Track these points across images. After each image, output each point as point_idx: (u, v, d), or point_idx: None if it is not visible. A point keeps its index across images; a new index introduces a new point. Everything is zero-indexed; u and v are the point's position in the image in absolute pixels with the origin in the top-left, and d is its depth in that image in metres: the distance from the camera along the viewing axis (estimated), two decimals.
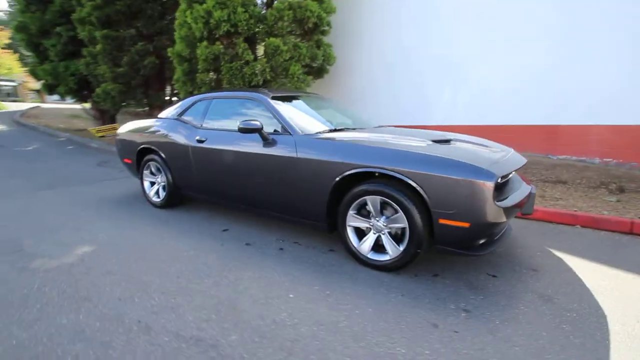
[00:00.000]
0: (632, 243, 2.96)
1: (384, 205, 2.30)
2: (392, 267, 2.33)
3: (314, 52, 7.32)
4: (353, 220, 2.45)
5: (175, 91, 9.16)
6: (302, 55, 7.01)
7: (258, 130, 2.70)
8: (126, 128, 4.19)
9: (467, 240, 2.11)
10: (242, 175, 2.95)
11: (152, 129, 3.76)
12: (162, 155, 3.60)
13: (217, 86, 7.22)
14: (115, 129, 9.32)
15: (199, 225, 3.31)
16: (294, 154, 2.59)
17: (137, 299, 2.04)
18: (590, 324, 1.84)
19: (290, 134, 2.70)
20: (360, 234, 2.48)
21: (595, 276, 2.36)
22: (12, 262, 2.51)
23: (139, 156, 3.94)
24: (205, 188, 3.35)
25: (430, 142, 2.43)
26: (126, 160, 4.18)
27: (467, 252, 2.15)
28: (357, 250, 2.45)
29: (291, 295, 2.09)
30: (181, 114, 3.60)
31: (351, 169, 2.33)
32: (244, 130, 2.72)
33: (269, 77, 6.72)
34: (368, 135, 2.67)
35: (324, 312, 1.93)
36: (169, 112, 3.79)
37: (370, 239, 2.41)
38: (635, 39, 4.87)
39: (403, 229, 2.25)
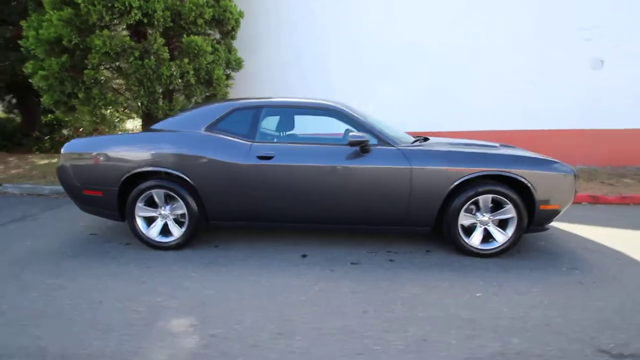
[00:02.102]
0: None
1: (495, 202, 2.74)
2: (500, 252, 2.79)
3: (227, 57, 6.81)
4: (464, 219, 2.77)
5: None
6: (220, 59, 6.41)
7: (365, 143, 2.61)
8: (83, 148, 2.93)
9: (551, 218, 2.82)
10: (331, 191, 2.74)
11: (160, 147, 2.82)
12: (188, 178, 2.78)
13: (124, 88, 5.63)
14: None
15: (270, 257, 2.81)
16: (406, 165, 2.67)
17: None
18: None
19: (392, 146, 2.74)
20: (465, 230, 2.82)
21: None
22: None
23: (125, 185, 2.86)
24: (262, 212, 2.83)
25: (499, 146, 3.03)
26: (89, 192, 2.92)
27: (543, 228, 2.87)
28: (468, 244, 2.78)
29: (479, 295, 2.25)
30: (212, 125, 2.87)
31: (469, 174, 2.65)
32: (354, 144, 2.58)
33: (192, 81, 5.83)
34: (456, 143, 3.02)
35: (525, 297, 2.19)
36: (180, 123, 2.93)
37: (479, 232, 2.79)
38: None
39: (508, 219, 2.75)
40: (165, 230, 2.95)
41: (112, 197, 2.91)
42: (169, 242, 2.92)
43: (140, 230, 2.92)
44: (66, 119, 9.34)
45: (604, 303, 2.14)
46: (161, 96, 5.91)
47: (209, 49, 6.01)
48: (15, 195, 5.04)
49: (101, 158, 2.90)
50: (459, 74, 6.72)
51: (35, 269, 2.64)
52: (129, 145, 2.88)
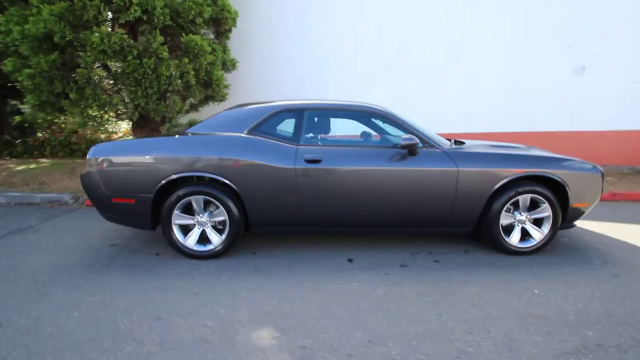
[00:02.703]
0: None
1: (531, 201, 2.86)
2: (537, 249, 2.91)
3: (223, 57, 6.62)
4: (505, 219, 2.86)
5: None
6: (218, 59, 6.23)
7: (416, 145, 2.64)
8: (113, 153, 2.73)
9: (580, 216, 2.98)
10: (380, 194, 2.73)
11: (201, 151, 2.68)
12: (231, 184, 2.67)
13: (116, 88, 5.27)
14: None
15: (315, 263, 2.75)
16: (453, 167, 2.72)
17: None
18: None
19: (437, 148, 2.79)
20: (504, 229, 2.91)
21: None
22: None
23: (161, 192, 2.70)
24: (308, 217, 2.77)
25: (526, 147, 3.17)
26: (119, 200, 2.72)
27: (572, 225, 3.04)
28: (508, 242, 2.87)
29: (536, 291, 2.33)
30: (254, 128, 2.77)
31: (512, 175, 2.75)
32: (405, 147, 2.61)
33: (192, 82, 5.62)
34: (491, 145, 3.12)
35: (577, 292, 2.30)
36: (220, 126, 2.81)
37: (517, 231, 2.90)
38: None
39: (544, 217, 2.88)
40: (202, 239, 2.81)
41: (146, 205, 2.73)
42: (207, 250, 2.79)
43: (178, 239, 2.76)
44: (40, 120, 8.70)
45: None
46: (158, 97, 5.63)
47: (209, 48, 5.82)
48: (2, 205, 4.59)
49: (135, 163, 2.71)
50: (448, 76, 6.95)
51: (63, 285, 2.42)
52: (166, 149, 2.72)
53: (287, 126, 2.84)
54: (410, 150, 2.70)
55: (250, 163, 2.68)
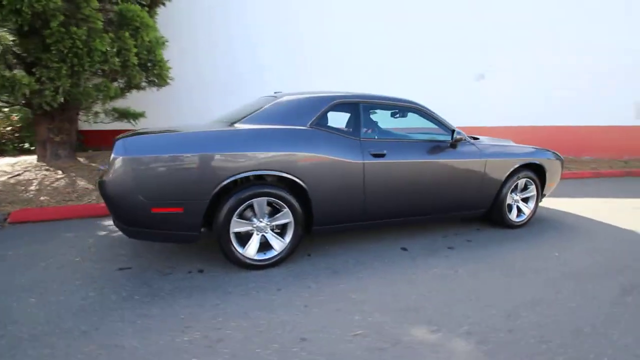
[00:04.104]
0: None
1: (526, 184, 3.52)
2: (526, 222, 3.60)
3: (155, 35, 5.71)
4: (509, 200, 3.44)
5: None
6: (157, 38, 5.34)
7: (462, 139, 2.93)
8: (153, 150, 2.14)
9: (548, 192, 3.81)
10: (433, 184, 2.95)
11: (266, 146, 2.33)
12: (301, 182, 2.43)
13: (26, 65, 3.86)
14: None
15: (381, 257, 2.78)
16: (483, 158, 3.13)
17: None
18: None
19: (468, 142, 3.15)
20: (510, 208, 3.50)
21: None
22: None
23: (217, 196, 2.26)
24: (369, 211, 2.76)
25: (510, 140, 3.86)
26: (161, 210, 2.16)
27: (541, 200, 3.88)
28: (510, 219, 3.47)
29: (557, 254, 2.92)
30: (315, 121, 2.55)
31: (518, 164, 3.34)
32: (457, 140, 2.87)
33: (133, 61, 4.70)
34: (493, 139, 3.65)
35: (582, 252, 2.97)
36: (278, 119, 2.48)
37: (515, 209, 3.53)
38: None
39: (530, 196, 3.59)
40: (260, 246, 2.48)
41: (197, 213, 2.24)
42: (269, 258, 2.47)
43: (237, 250, 2.36)
44: None
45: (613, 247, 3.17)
46: (87, 78, 4.46)
47: (151, 22, 4.90)
48: None
49: (184, 162, 2.17)
50: (383, 73, 7.64)
51: (112, 327, 1.82)
52: (222, 144, 2.25)
53: (348, 119, 2.73)
54: (453, 144, 2.98)
55: (320, 158, 2.49)
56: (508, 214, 3.47)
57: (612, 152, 8.21)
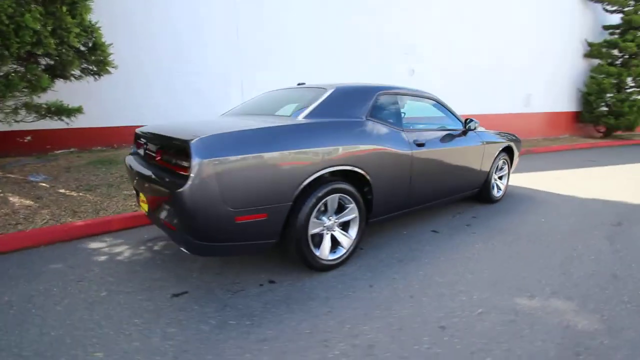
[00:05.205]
0: None
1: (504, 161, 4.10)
2: (503, 196, 4.21)
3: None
4: (496, 177, 3.97)
5: None
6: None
7: (474, 127, 3.27)
8: (237, 149, 1.82)
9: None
10: (457, 169, 3.24)
11: (337, 140, 2.21)
12: (368, 175, 2.38)
13: None
14: None
15: (424, 241, 2.94)
16: (482, 143, 3.54)
17: None
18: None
19: (471, 129, 3.50)
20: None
21: None
22: None
23: (301, 195, 2.08)
24: (413, 199, 2.87)
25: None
26: (246, 219, 1.89)
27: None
28: (494, 195, 4.02)
29: (543, 220, 3.51)
30: (370, 113, 2.51)
31: (501, 146, 3.87)
32: (470, 129, 3.26)
33: (74, 43, 3.89)
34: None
35: (569, 219, 3.63)
36: (333, 111, 2.34)
37: (496, 186, 4.08)
38: None
39: (504, 174, 4.20)
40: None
41: (279, 219, 2.02)
42: (340, 257, 2.39)
43: (314, 253, 2.21)
44: None
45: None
46: (14, 63, 3.45)
47: None
48: None
49: (266, 162, 1.90)
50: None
51: None
52: (299, 139, 2.04)
53: (390, 111, 2.74)
54: (464, 132, 3.30)
55: (381, 150, 2.48)
56: (492, 190, 4.01)
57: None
